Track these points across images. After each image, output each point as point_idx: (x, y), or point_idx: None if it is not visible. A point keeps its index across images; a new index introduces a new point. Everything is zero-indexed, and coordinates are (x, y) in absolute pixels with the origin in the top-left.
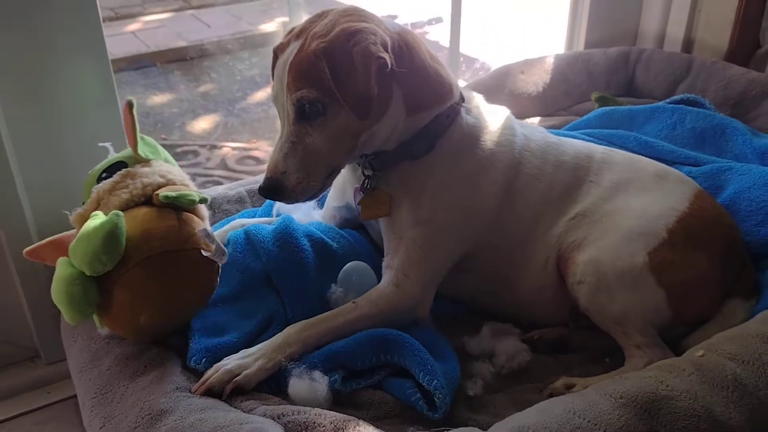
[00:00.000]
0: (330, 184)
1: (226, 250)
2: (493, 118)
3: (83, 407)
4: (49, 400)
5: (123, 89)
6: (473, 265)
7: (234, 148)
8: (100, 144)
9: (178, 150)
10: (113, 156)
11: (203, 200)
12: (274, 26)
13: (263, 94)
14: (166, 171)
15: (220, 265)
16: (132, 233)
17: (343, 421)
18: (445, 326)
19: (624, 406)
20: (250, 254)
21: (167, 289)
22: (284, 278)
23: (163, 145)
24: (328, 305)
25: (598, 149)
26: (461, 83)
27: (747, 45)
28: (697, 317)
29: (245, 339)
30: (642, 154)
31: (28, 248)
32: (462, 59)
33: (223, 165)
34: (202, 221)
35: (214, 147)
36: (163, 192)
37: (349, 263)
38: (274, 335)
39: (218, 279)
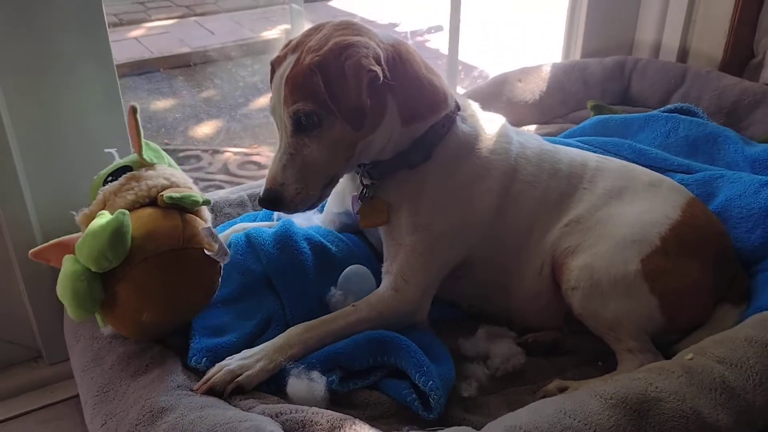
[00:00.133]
0: (328, 194)
1: (228, 250)
2: (489, 126)
3: (85, 405)
4: (52, 400)
5: (127, 94)
6: (470, 272)
7: (236, 153)
8: (106, 150)
9: (181, 154)
10: (118, 161)
11: (206, 202)
12: (276, 33)
13: (265, 100)
14: (170, 174)
15: (222, 265)
16: (137, 232)
17: (340, 420)
18: (441, 328)
19: (614, 406)
20: (251, 257)
21: (170, 287)
22: (284, 280)
23: (166, 150)
24: (327, 308)
25: (593, 157)
26: (460, 90)
27: (740, 55)
28: (689, 324)
29: (245, 339)
30: (636, 162)
31: (33, 249)
32: (461, 67)
33: (225, 169)
34: (205, 223)
35: (216, 152)
36: (167, 193)
37: (349, 267)
38: (273, 336)
39: (220, 279)
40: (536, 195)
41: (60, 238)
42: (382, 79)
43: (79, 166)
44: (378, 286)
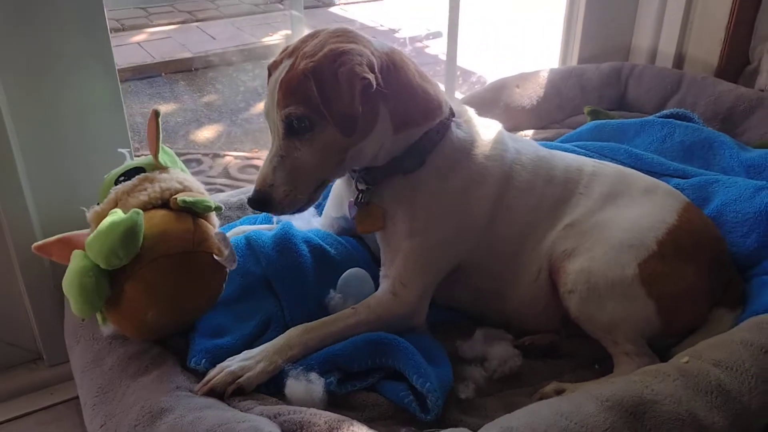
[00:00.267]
0: (318, 197)
1: (236, 256)
2: (484, 132)
3: (85, 406)
4: (52, 401)
5: (129, 98)
6: (466, 277)
7: (236, 157)
8: (119, 150)
9: (182, 158)
10: (131, 162)
11: (217, 208)
12: (276, 39)
13: None
14: (183, 178)
15: (228, 270)
16: (149, 232)
17: (338, 421)
18: (438, 331)
19: (610, 409)
20: (251, 259)
21: (178, 289)
22: (283, 282)
23: None
24: (326, 310)
25: (589, 162)
26: (458, 95)
27: (736, 61)
28: (685, 327)
29: (244, 341)
30: (632, 166)
31: (37, 243)
32: (459, 72)
33: (226, 173)
34: (215, 228)
35: (216, 156)
36: (181, 196)
37: (349, 270)
38: (272, 338)
39: (225, 284)
40: (531, 201)
41: (64, 234)
42: (375, 86)
43: (81, 168)
44: (376, 290)
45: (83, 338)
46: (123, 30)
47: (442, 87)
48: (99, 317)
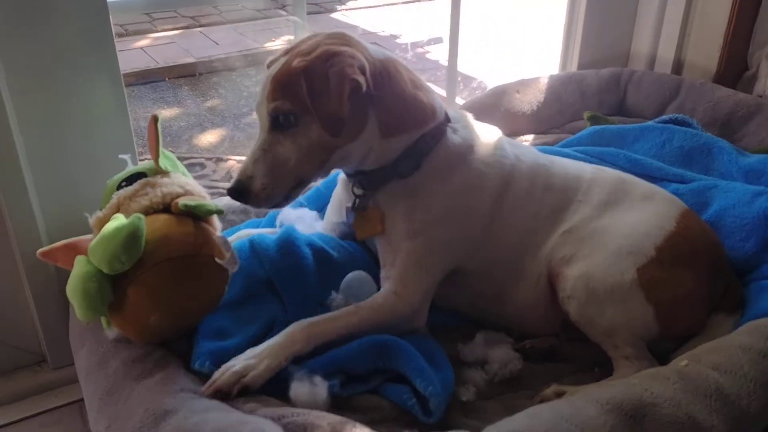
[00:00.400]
0: (296, 196)
1: (238, 259)
2: (483, 137)
3: (90, 408)
4: (55, 404)
5: (133, 103)
6: (466, 281)
7: (239, 161)
8: (120, 156)
9: (185, 162)
10: (133, 167)
11: (219, 211)
12: (279, 44)
13: None
14: (185, 183)
15: (231, 273)
16: (151, 236)
17: (341, 424)
18: (440, 334)
19: (610, 412)
20: (254, 262)
21: (180, 292)
22: (286, 285)
23: None
24: (329, 311)
25: (588, 169)
26: (459, 101)
27: (735, 67)
28: (684, 332)
29: (248, 343)
30: (631, 171)
31: (42, 249)
32: (460, 78)
33: (229, 177)
34: (216, 231)
35: (220, 160)
36: (182, 201)
37: (351, 273)
38: None
39: (227, 286)
40: (530, 208)
41: (69, 239)
42: (364, 89)
43: (87, 174)
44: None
45: (88, 342)
46: (127, 35)
47: (443, 93)
48: (103, 321)
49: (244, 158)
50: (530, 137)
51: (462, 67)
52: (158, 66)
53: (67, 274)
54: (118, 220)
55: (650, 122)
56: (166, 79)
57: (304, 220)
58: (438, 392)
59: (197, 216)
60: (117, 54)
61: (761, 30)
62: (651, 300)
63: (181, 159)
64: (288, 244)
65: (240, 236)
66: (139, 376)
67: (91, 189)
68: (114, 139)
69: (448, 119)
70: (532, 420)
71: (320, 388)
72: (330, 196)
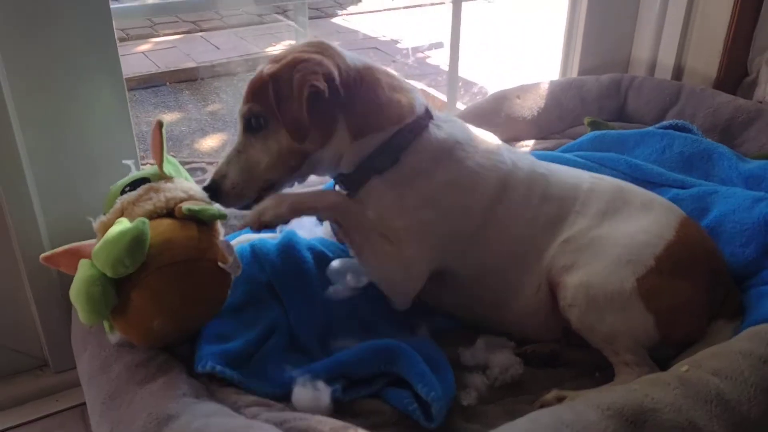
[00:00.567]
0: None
1: (240, 263)
2: (478, 140)
3: (92, 413)
4: (57, 408)
5: (134, 107)
6: (460, 284)
7: None
8: (123, 161)
9: (187, 167)
10: (136, 172)
11: (222, 216)
12: (280, 49)
13: None
14: (188, 188)
15: (233, 277)
16: (155, 240)
17: (343, 428)
18: (441, 338)
19: (611, 417)
20: (255, 266)
21: (184, 296)
22: (287, 289)
23: None
24: (331, 311)
25: (586, 179)
26: (460, 106)
27: (735, 73)
28: (684, 339)
29: (249, 346)
30: (632, 176)
31: (44, 254)
32: (461, 83)
33: None
34: (220, 236)
35: None
36: (185, 205)
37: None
38: (277, 343)
39: (229, 291)
40: (526, 216)
41: (71, 245)
42: (326, 94)
43: (89, 179)
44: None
45: (90, 346)
46: (128, 39)
47: (443, 98)
48: (106, 325)
49: None
50: (531, 143)
51: (463, 72)
52: (159, 70)
53: (70, 278)
54: (122, 224)
55: (650, 128)
56: (168, 83)
57: (304, 225)
58: (439, 397)
59: (201, 220)
60: (120, 59)
61: (761, 36)
62: (651, 309)
63: (182, 163)
64: (289, 248)
65: (241, 241)
66: (141, 381)
67: (93, 193)
68: (116, 144)
69: (430, 115)
70: (533, 425)
71: (322, 393)
72: None
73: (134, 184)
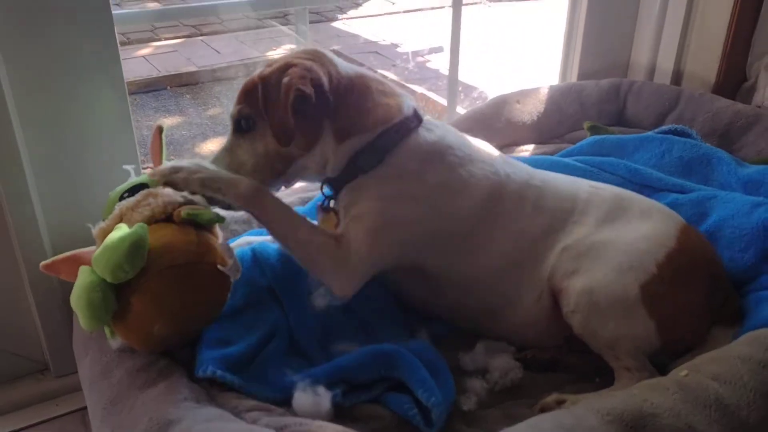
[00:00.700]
0: None
1: (240, 266)
2: (473, 149)
3: (93, 418)
4: (58, 412)
5: (134, 112)
6: (447, 292)
7: None
8: (124, 167)
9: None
10: (134, 178)
11: (220, 220)
12: (280, 53)
13: None
14: (186, 193)
15: (233, 281)
16: (154, 245)
17: None
18: (440, 343)
19: (611, 422)
20: (256, 270)
21: (184, 300)
22: (287, 292)
23: None
24: (327, 315)
25: (584, 189)
26: (460, 110)
27: (734, 78)
28: (684, 346)
29: (250, 349)
30: (631, 181)
31: (44, 262)
32: (461, 88)
33: None
34: (218, 239)
35: None
36: (184, 210)
37: None
38: (278, 346)
39: (229, 294)
40: (514, 229)
41: (72, 252)
42: (314, 100)
43: (90, 183)
44: None
45: (91, 351)
46: (129, 43)
47: (443, 102)
48: (107, 331)
49: None
50: (530, 147)
51: (463, 76)
52: (160, 75)
53: (71, 282)
54: (122, 230)
55: (650, 132)
56: (168, 87)
57: None
58: (440, 402)
59: (200, 224)
60: (121, 64)
61: (760, 41)
62: (653, 315)
63: None
64: None
65: (240, 244)
66: (142, 386)
67: (94, 198)
68: (119, 151)
69: (419, 118)
70: (534, 429)
71: (323, 398)
72: None
73: (133, 190)
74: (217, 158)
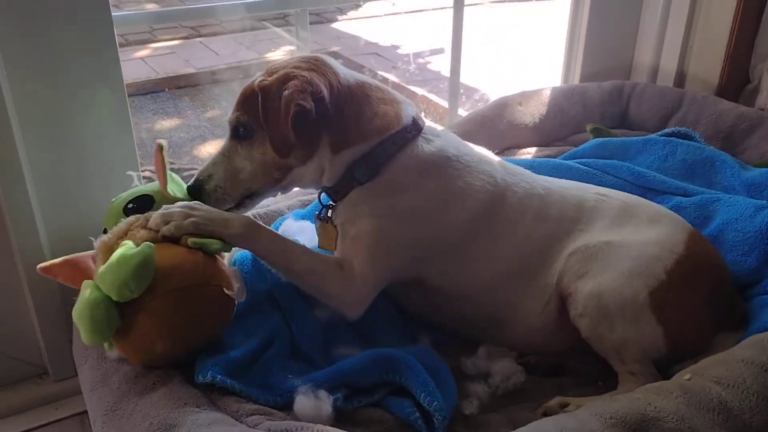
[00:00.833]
0: (250, 206)
1: (245, 290)
2: (474, 160)
3: (94, 424)
4: (57, 416)
5: (133, 114)
6: (447, 300)
7: None
8: (127, 173)
9: (186, 174)
10: (139, 187)
11: (227, 249)
12: (280, 55)
13: None
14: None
15: (237, 303)
16: (161, 265)
17: None
18: (442, 347)
19: (614, 426)
20: (256, 275)
21: (188, 321)
22: (288, 297)
23: (172, 169)
24: (329, 324)
25: (590, 197)
26: (461, 113)
27: (737, 80)
28: (690, 352)
29: (250, 354)
30: (634, 184)
31: (42, 264)
32: (462, 90)
33: None
34: (224, 261)
35: None
36: (191, 239)
37: None
38: (278, 351)
39: (233, 315)
40: (516, 238)
41: (69, 256)
42: (314, 114)
43: (90, 186)
44: None
45: (91, 357)
46: (127, 45)
47: (445, 104)
48: (105, 344)
49: None
50: (532, 150)
51: (464, 78)
52: (158, 77)
53: (70, 288)
54: (128, 248)
55: (653, 135)
56: (166, 89)
57: (305, 233)
58: (442, 407)
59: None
60: (121, 66)
61: (763, 43)
62: (661, 321)
63: (182, 170)
64: None
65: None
66: (142, 392)
67: (94, 203)
68: (118, 156)
69: (419, 128)
70: None
71: (324, 402)
72: None
73: (137, 201)
74: (215, 162)
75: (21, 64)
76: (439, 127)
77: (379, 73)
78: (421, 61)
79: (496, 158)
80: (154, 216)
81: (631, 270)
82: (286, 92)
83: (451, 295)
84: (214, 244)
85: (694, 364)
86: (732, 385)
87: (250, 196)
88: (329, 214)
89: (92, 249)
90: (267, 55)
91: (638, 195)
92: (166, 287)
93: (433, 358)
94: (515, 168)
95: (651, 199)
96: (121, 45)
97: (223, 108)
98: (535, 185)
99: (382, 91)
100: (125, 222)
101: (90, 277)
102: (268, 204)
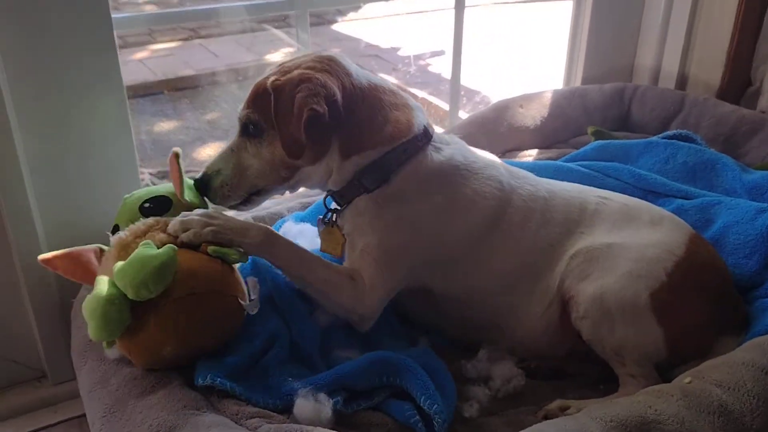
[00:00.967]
0: (255, 204)
1: (259, 303)
2: (479, 166)
3: (93, 426)
4: (55, 419)
5: (132, 116)
6: (449, 305)
7: None
8: (141, 169)
9: (186, 176)
10: (156, 187)
11: (244, 260)
12: (280, 56)
13: None
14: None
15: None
16: (179, 268)
17: None
18: (442, 350)
19: (614, 429)
20: (256, 278)
21: (199, 327)
22: (288, 301)
23: (168, 172)
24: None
25: (592, 200)
26: (462, 115)
27: (738, 83)
28: (691, 355)
29: (249, 358)
30: (635, 186)
31: (43, 255)
32: (463, 92)
33: None
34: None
35: None
36: (211, 247)
37: None
38: (277, 354)
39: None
40: (523, 243)
41: (70, 249)
42: (327, 118)
43: (89, 187)
44: None
45: (90, 359)
46: (125, 47)
47: (445, 107)
48: (104, 344)
49: None
50: (534, 152)
51: (465, 80)
52: (157, 78)
53: (70, 288)
54: (151, 248)
55: (654, 138)
56: (165, 91)
57: (305, 235)
58: (442, 410)
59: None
60: (120, 69)
61: (764, 45)
62: (662, 323)
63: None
64: None
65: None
66: (141, 394)
67: (93, 204)
68: (117, 155)
69: (429, 136)
70: None
71: (324, 405)
72: None
73: (153, 201)
74: (225, 157)
75: (21, 65)
76: (446, 135)
77: (380, 75)
78: (421, 63)
79: (499, 161)
80: (173, 222)
81: (632, 272)
82: (299, 95)
83: (454, 299)
84: (233, 254)
85: (695, 367)
86: (732, 388)
87: (257, 193)
88: (334, 219)
89: (92, 241)
90: (267, 57)
91: (639, 198)
92: (181, 291)
93: (433, 360)
94: (518, 171)
95: (652, 202)
96: (120, 47)
97: (223, 110)
98: (539, 188)
99: (394, 94)
100: (144, 222)
101: (91, 272)
102: (267, 206)
